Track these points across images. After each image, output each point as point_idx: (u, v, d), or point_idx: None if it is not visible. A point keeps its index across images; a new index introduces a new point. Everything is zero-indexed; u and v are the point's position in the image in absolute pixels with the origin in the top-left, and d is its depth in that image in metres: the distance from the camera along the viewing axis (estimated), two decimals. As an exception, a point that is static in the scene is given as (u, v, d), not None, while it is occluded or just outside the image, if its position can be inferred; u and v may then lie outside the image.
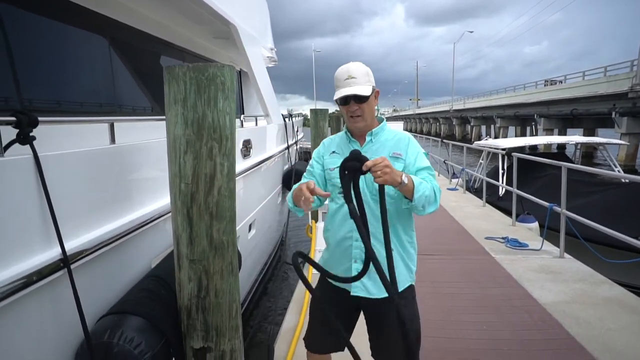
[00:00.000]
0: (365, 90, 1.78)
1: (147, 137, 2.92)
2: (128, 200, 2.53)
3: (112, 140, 2.38)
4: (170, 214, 2.78)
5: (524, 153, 8.26)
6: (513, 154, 6.78)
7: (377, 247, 1.68)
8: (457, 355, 2.92)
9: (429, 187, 1.68)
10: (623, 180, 8.37)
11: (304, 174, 2.02)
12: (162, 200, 2.90)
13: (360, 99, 1.80)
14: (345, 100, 1.82)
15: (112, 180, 2.37)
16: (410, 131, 55.34)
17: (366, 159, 1.56)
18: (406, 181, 1.60)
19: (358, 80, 1.80)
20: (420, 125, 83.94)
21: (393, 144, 1.87)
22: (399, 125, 24.43)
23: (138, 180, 2.67)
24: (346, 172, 1.61)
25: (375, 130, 1.90)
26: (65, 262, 1.80)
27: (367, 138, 1.88)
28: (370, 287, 1.86)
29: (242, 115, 5.96)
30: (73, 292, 1.81)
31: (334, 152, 1.94)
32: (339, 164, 1.65)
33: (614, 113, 23.34)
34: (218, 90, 2.07)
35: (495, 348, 2.98)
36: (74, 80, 3.41)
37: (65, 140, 2.45)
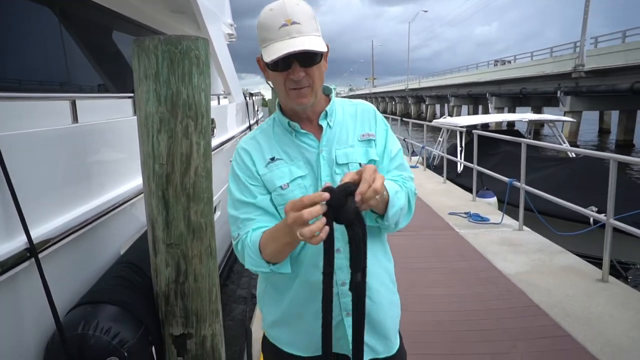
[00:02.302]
0: (317, 43, 1.10)
1: (103, 118, 2.73)
2: (94, 184, 2.37)
3: (75, 119, 2.21)
4: (139, 196, 2.65)
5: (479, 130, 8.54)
6: (474, 131, 6.98)
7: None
8: (430, 327, 3.01)
9: (403, 196, 1.18)
10: (570, 155, 8.87)
11: (238, 216, 1.19)
12: (129, 183, 2.75)
13: (310, 60, 1.10)
14: (285, 63, 1.09)
15: (77, 162, 2.21)
16: (368, 110, 55.65)
17: (354, 188, 0.94)
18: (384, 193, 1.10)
19: (303, 27, 1.09)
20: (377, 104, 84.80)
21: (356, 120, 1.28)
22: (358, 104, 24.48)
23: (103, 162, 2.51)
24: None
25: (330, 108, 1.24)
26: (32, 251, 1.66)
27: (322, 123, 1.22)
28: (376, 344, 1.28)
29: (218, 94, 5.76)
30: (42, 283, 1.68)
31: (273, 158, 1.20)
32: (296, 175, 1.16)
33: (559, 92, 24.56)
34: (192, 64, 1.96)
35: (466, 319, 3.10)
36: (19, 57, 3.12)
37: (19, 122, 2.24)
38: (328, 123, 1.24)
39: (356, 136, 1.26)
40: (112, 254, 2.50)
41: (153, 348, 2.03)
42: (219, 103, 6.01)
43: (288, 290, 1.22)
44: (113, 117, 2.80)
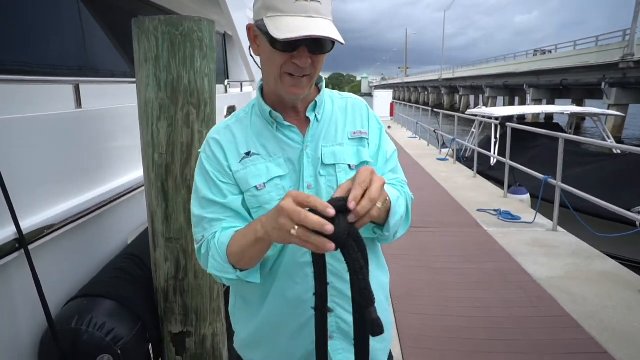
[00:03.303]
0: (336, 31, 0.94)
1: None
2: (99, 172, 2.29)
3: (78, 104, 2.12)
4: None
5: (513, 123, 8.11)
6: (507, 124, 6.61)
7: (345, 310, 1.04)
8: (449, 333, 2.82)
9: (404, 203, 1.04)
10: (615, 152, 8.32)
11: (204, 216, 1.03)
12: (139, 170, 2.67)
13: (321, 47, 0.95)
14: (292, 45, 0.92)
15: (81, 149, 2.13)
16: (399, 100, 54.88)
17: (343, 203, 0.78)
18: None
19: (323, 8, 0.93)
20: (409, 94, 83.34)
21: (347, 115, 1.12)
22: (388, 93, 24.03)
23: (111, 149, 2.43)
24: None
25: (320, 99, 1.08)
26: (21, 242, 1.58)
27: (310, 115, 1.06)
28: None
29: (227, 80, 5.67)
30: (32, 275, 1.60)
31: (249, 153, 1.03)
32: (274, 174, 1.00)
33: (603, 84, 23.28)
34: (195, 47, 1.83)
35: (489, 326, 2.89)
36: (35, 39, 3.08)
37: (26, 107, 2.18)
38: (316, 116, 1.07)
39: (346, 133, 1.09)
40: (119, 243, 2.43)
41: (150, 346, 1.95)
42: (241, 90, 5.91)
43: (260, 306, 1.06)
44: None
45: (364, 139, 1.10)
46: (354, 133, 1.09)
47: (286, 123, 1.04)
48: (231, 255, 0.94)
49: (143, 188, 2.61)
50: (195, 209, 1.04)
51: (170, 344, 2.01)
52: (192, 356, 2.04)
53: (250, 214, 1.02)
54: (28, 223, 1.68)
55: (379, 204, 0.80)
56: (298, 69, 0.95)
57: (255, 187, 1.00)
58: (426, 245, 4.43)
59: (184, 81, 1.82)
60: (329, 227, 0.74)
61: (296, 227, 0.75)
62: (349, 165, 1.05)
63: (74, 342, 1.71)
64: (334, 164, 1.04)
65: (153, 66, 1.79)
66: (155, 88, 1.80)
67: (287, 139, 1.05)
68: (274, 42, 0.92)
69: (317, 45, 0.93)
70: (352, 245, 0.77)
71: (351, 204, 0.77)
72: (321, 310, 0.86)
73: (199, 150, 1.08)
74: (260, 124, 1.06)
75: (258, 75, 7.27)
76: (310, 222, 0.74)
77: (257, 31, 0.98)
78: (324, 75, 1.20)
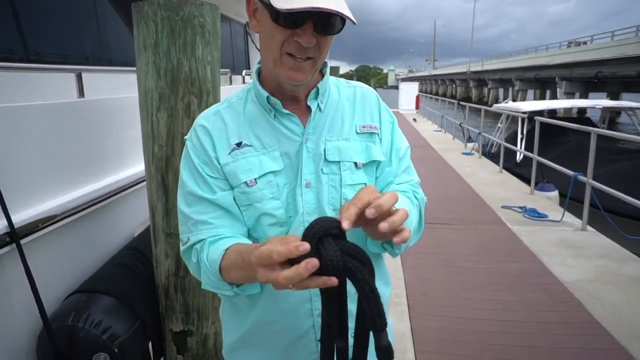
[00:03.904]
0: (345, 7, 0.81)
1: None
2: (105, 163, 2.25)
3: (81, 93, 2.07)
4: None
5: (543, 117, 7.76)
6: (536, 118, 6.31)
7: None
8: (467, 337, 2.67)
9: (416, 214, 0.94)
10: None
11: (190, 216, 0.92)
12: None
13: (329, 27, 0.83)
14: (296, 19, 0.80)
15: (84, 140, 2.08)
16: (426, 92, 53.93)
17: (323, 223, 0.68)
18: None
19: None
20: (436, 87, 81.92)
21: (355, 106, 0.99)
22: (414, 86, 23.57)
23: (119, 140, 2.38)
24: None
25: (323, 85, 0.95)
26: (12, 236, 1.53)
27: (311, 104, 0.94)
28: None
29: (245, 71, 5.60)
30: (25, 269, 1.55)
31: (240, 144, 0.91)
32: (268, 169, 0.89)
33: (641, 76, 22.21)
34: (196, 34, 1.73)
35: (510, 331, 2.72)
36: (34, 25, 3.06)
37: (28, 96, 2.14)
38: (319, 104, 0.95)
39: (354, 127, 0.97)
40: (125, 237, 2.39)
41: (150, 344, 1.89)
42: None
43: (249, 312, 0.96)
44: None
45: (374, 135, 0.98)
46: (363, 127, 0.97)
47: (285, 111, 0.92)
48: (226, 274, 0.84)
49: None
50: (180, 205, 0.94)
51: (172, 343, 1.95)
52: (194, 356, 1.97)
53: (241, 212, 0.92)
54: (23, 216, 1.63)
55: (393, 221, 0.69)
56: (300, 49, 0.83)
57: (246, 182, 0.89)
58: (447, 243, 4.26)
59: (184, 69, 1.73)
60: (313, 264, 0.62)
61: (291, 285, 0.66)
62: (356, 164, 0.93)
63: (70, 340, 1.66)
64: (339, 161, 0.92)
65: (152, 53, 1.70)
66: (155, 76, 1.72)
67: (285, 129, 0.93)
68: (276, 15, 0.80)
69: (324, 24, 0.82)
70: (356, 266, 0.66)
71: (344, 224, 0.66)
72: (329, 344, 0.74)
73: (185, 137, 0.97)
74: (255, 111, 0.94)
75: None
76: (290, 280, 0.64)
77: (258, 3, 0.87)
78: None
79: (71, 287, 1.89)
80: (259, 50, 0.98)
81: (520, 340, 2.63)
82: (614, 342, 2.61)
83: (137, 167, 2.48)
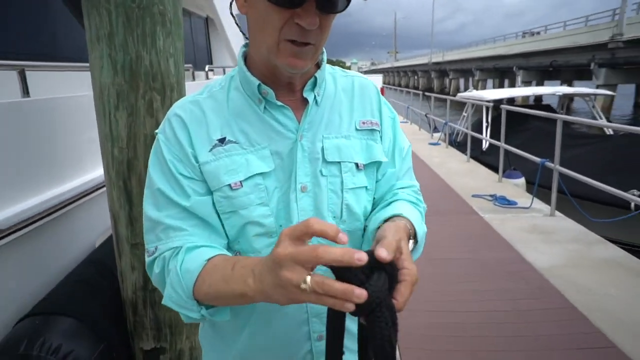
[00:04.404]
0: None
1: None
2: (59, 169, 2.04)
3: (25, 92, 1.86)
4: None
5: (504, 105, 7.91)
6: (502, 106, 6.41)
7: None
8: (449, 331, 2.64)
9: (424, 229, 0.86)
10: (607, 132, 8.19)
11: (160, 220, 0.77)
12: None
13: (332, 4, 0.72)
14: None
15: (31, 144, 1.87)
16: (389, 84, 54.47)
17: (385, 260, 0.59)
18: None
19: None
20: (399, 79, 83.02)
21: (353, 99, 0.88)
22: (379, 78, 23.71)
23: (73, 143, 2.17)
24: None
25: (321, 75, 0.83)
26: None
27: (308, 95, 0.82)
28: None
29: (208, 66, 5.38)
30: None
31: (224, 140, 0.78)
32: (256, 170, 0.77)
33: (592, 64, 23.22)
34: (156, 23, 1.57)
35: (492, 321, 2.71)
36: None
37: None
38: (315, 97, 0.82)
39: (353, 122, 0.86)
40: (85, 249, 2.19)
41: (118, 366, 1.73)
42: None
43: (235, 338, 0.83)
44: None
45: (375, 132, 0.86)
46: (363, 123, 0.86)
47: (278, 103, 0.79)
48: (200, 293, 0.71)
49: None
50: (148, 209, 0.79)
51: (143, 362, 1.79)
52: (168, 373, 1.82)
53: (222, 222, 0.78)
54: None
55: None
56: (302, 33, 0.70)
57: (229, 185, 0.76)
58: (421, 235, 4.24)
59: (144, 62, 1.57)
60: (362, 295, 0.53)
61: (308, 279, 0.54)
62: (357, 165, 0.82)
63: (25, 370, 1.48)
64: (339, 162, 0.81)
65: (107, 45, 1.53)
66: (111, 72, 1.55)
67: (276, 124, 0.80)
68: None
69: (327, 2, 0.69)
70: (384, 315, 0.56)
71: (380, 251, 0.58)
72: None
73: (156, 131, 0.82)
74: (241, 102, 0.80)
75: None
76: (345, 292, 0.54)
77: None
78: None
79: (23, 311, 1.69)
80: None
81: (502, 330, 2.62)
82: (590, 325, 2.64)
83: (94, 172, 2.28)
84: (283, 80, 0.79)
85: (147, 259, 0.79)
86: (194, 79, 4.71)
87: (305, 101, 0.81)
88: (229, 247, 0.81)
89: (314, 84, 0.82)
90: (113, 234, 1.75)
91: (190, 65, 4.60)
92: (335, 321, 0.63)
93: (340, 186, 0.80)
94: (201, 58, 6.35)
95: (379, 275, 0.57)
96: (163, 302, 0.75)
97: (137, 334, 1.77)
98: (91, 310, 1.69)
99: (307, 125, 0.81)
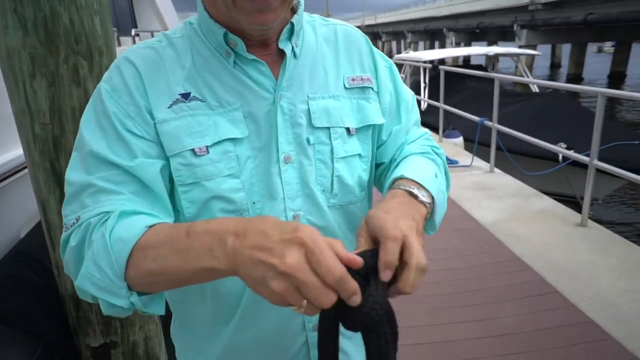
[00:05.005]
0: None
1: None
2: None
3: None
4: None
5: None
6: (440, 67, 6.51)
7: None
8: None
9: (443, 176, 0.74)
10: (533, 90, 8.67)
11: (90, 182, 0.60)
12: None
13: None
14: None
15: None
16: (324, 49, 53.82)
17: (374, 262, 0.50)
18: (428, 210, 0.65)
19: None
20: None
21: (338, 50, 0.75)
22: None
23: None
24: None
25: (298, 22, 0.69)
26: None
27: (284, 46, 0.68)
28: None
29: (134, 30, 4.91)
30: None
31: (188, 95, 0.64)
32: (226, 134, 0.64)
33: (515, 26, 24.30)
34: (73, -29, 1.31)
35: (446, 279, 2.79)
36: None
37: None
38: (293, 48, 0.68)
39: (341, 79, 0.72)
40: (7, 240, 1.93)
41: (62, 368, 1.55)
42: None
43: (216, 337, 0.72)
44: None
45: (367, 89, 0.73)
46: (353, 80, 0.72)
47: (250, 56, 0.65)
48: (134, 272, 0.54)
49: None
50: (71, 174, 0.62)
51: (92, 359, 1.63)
52: (122, 368, 1.67)
53: (173, 194, 0.64)
54: None
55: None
56: None
57: (192, 150, 0.62)
58: (370, 199, 4.27)
59: (63, 20, 1.32)
60: (358, 260, 0.46)
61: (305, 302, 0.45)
62: (348, 129, 0.70)
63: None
64: (328, 127, 0.68)
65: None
66: (20, 32, 1.29)
67: (250, 82, 0.66)
68: None
69: None
70: (385, 331, 0.49)
71: (385, 273, 0.50)
72: None
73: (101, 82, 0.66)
74: (206, 53, 0.66)
75: (172, 22, 6.43)
76: (347, 289, 0.45)
77: None
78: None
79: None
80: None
81: (457, 286, 2.71)
82: (535, 274, 2.80)
83: (11, 152, 1.99)
84: (255, 36, 0.65)
85: (63, 235, 0.61)
86: (119, 44, 4.28)
87: (281, 55, 0.68)
88: None
89: (291, 32, 0.68)
90: (43, 223, 1.52)
91: (114, 29, 4.16)
92: (327, 319, 0.53)
93: (330, 155, 0.69)
94: (125, 23, 5.78)
95: (376, 282, 0.48)
96: (76, 283, 0.58)
97: (82, 331, 1.59)
98: (22, 309, 1.49)
99: (285, 83, 0.67)
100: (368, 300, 0.46)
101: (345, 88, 0.72)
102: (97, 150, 0.60)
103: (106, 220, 0.57)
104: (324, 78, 0.70)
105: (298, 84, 0.68)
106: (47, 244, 1.55)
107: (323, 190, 0.69)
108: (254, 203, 0.65)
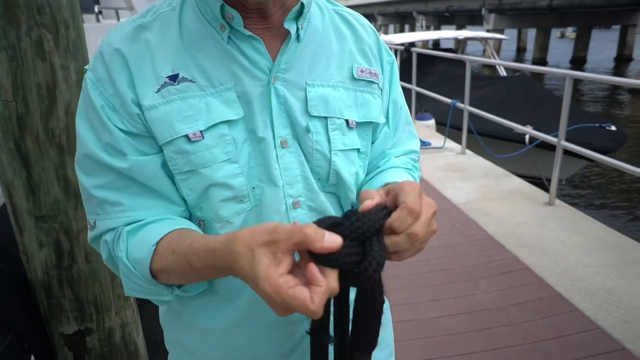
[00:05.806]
0: None
1: None
2: None
3: None
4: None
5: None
6: (413, 49, 6.52)
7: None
8: (385, 272, 2.72)
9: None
10: (501, 74, 8.84)
11: (91, 193, 0.62)
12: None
13: None
14: None
15: None
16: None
17: (384, 216, 0.50)
18: None
19: None
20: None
21: (345, 39, 0.70)
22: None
23: None
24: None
25: (308, 2, 0.64)
26: None
27: (289, 26, 0.62)
28: None
29: (97, 7, 4.68)
30: None
31: (176, 77, 0.59)
32: (220, 117, 0.60)
33: (483, 10, 24.64)
34: None
35: (424, 258, 2.84)
36: None
37: None
38: (298, 30, 0.63)
39: (346, 69, 0.68)
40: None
41: (33, 357, 1.49)
42: (118, 20, 4.94)
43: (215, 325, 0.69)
44: None
45: (373, 84, 0.69)
46: (362, 71, 0.68)
47: (246, 32, 0.60)
48: (164, 279, 0.60)
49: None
50: (78, 174, 0.64)
51: (65, 348, 1.57)
52: (98, 355, 1.62)
53: (176, 186, 0.63)
54: None
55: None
56: None
57: (186, 136, 0.58)
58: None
59: (23, -11, 1.22)
60: (338, 240, 0.47)
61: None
62: (347, 122, 0.66)
63: None
64: (325, 117, 0.65)
65: (-34, -36, 1.16)
66: (-24, -1, 1.19)
67: (244, 59, 0.61)
68: None
69: None
70: (379, 289, 0.53)
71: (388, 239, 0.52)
72: (320, 337, 0.55)
73: (85, 67, 0.63)
74: (199, 28, 0.61)
75: (139, 3, 6.16)
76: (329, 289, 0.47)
77: None
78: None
79: None
80: None
81: (434, 265, 2.76)
82: (507, 252, 2.89)
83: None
84: (251, 6, 0.60)
85: (89, 233, 0.65)
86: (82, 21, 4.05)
87: (282, 34, 0.63)
88: (189, 216, 0.66)
89: (299, 13, 0.63)
90: (8, 207, 1.44)
91: (75, 4, 3.94)
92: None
93: (328, 146, 0.65)
94: (86, -2, 5.50)
95: (378, 242, 0.49)
96: (127, 293, 0.64)
97: (55, 318, 1.53)
98: (-10, 299, 1.41)
99: (284, 65, 0.63)
100: (372, 263, 0.48)
101: (354, 79, 0.68)
102: (91, 153, 0.60)
103: (118, 238, 0.60)
104: (325, 65, 0.66)
105: (298, 68, 0.64)
106: (13, 228, 1.47)
107: (318, 179, 0.67)
108: (253, 188, 0.63)
